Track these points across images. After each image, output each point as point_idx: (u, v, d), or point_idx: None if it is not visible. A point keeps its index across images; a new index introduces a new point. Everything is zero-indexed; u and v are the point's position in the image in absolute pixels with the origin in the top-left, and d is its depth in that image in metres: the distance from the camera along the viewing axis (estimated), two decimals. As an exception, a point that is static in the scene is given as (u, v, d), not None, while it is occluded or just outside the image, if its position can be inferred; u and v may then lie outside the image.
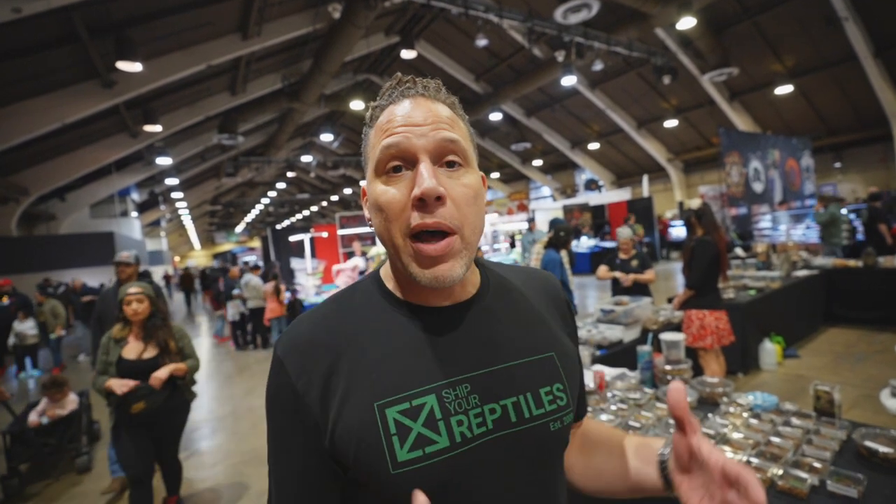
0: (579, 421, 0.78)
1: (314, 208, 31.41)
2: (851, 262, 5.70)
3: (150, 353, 2.50)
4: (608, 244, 13.75)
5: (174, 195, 19.62)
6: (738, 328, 3.91)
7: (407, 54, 10.33)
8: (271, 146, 16.55)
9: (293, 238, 14.32)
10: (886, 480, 1.35)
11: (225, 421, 4.79)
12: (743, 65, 11.48)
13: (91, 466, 3.84)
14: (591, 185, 19.57)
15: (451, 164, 0.58)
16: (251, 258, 25.48)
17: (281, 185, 24.30)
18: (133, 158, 13.69)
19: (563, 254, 4.55)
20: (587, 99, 14.44)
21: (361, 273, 7.57)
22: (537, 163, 20.44)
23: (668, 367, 2.29)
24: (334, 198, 27.29)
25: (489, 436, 0.56)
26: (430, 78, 0.63)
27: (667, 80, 10.55)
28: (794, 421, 1.73)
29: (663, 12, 9.29)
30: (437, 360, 0.58)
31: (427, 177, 0.54)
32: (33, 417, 3.75)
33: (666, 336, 2.46)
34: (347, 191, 25.60)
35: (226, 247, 41.87)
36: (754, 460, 1.48)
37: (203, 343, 9.47)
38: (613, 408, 2.02)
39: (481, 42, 8.87)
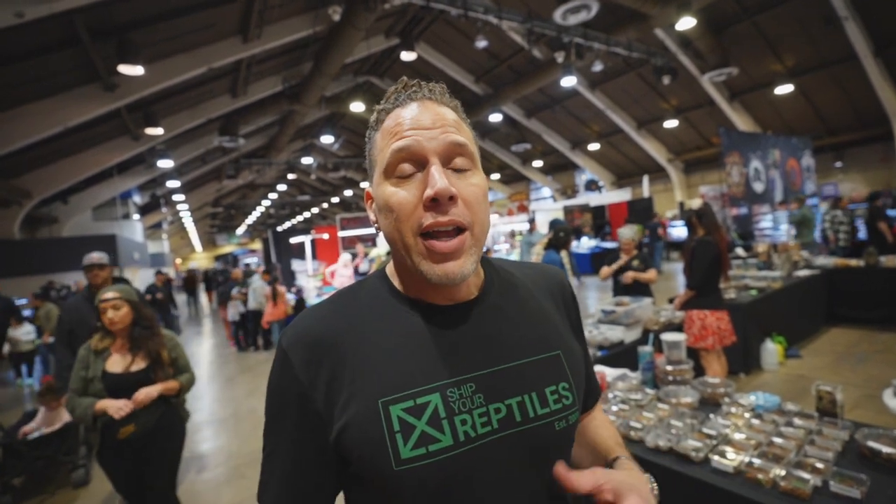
0: (588, 412, 0.79)
1: (315, 210, 31.41)
2: (853, 262, 5.68)
3: (140, 364, 2.17)
4: (609, 245, 13.74)
5: (175, 198, 19.64)
6: (739, 328, 3.90)
7: (407, 56, 10.34)
8: (272, 148, 16.57)
9: (294, 240, 14.37)
10: (889, 481, 1.35)
11: (227, 423, 4.79)
12: (743, 65, 11.47)
13: (88, 480, 3.64)
14: (592, 186, 19.56)
15: (459, 166, 0.60)
16: (252, 260, 25.53)
17: (282, 187, 24.32)
18: (135, 161, 13.70)
19: (564, 254, 4.56)
20: (587, 100, 14.44)
21: (360, 274, 7.60)
22: (537, 164, 20.44)
23: (669, 368, 2.29)
24: (335, 200, 27.30)
25: (494, 435, 0.57)
26: (434, 81, 0.65)
27: (666, 80, 10.55)
28: (797, 421, 1.73)
29: (663, 13, 9.29)
30: (442, 358, 0.59)
31: (440, 178, 0.55)
32: (28, 427, 3.54)
33: (667, 336, 2.46)
34: (348, 193, 25.60)
35: (227, 249, 41.90)
36: (756, 461, 1.49)
37: (205, 344, 9.48)
38: (615, 408, 2.02)
39: (481, 43, 8.88)
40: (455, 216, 0.56)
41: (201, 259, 43.48)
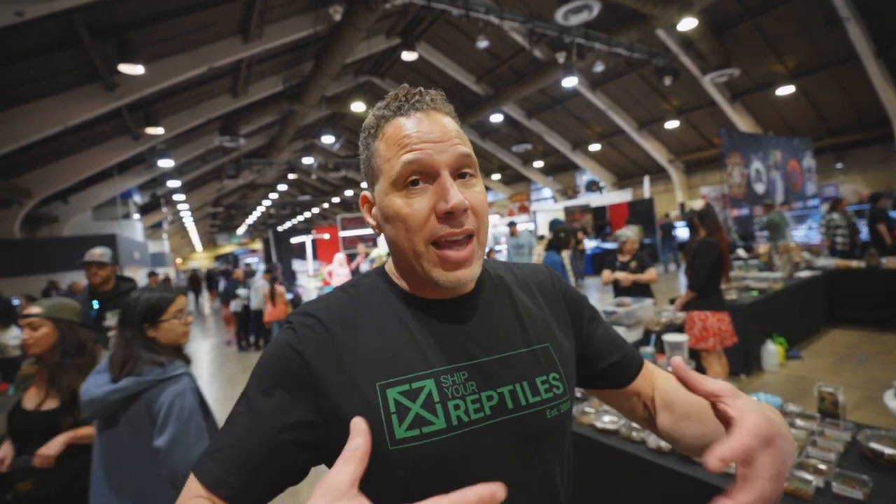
0: (633, 379, 0.75)
1: (315, 210, 31.41)
2: (854, 263, 5.68)
3: (51, 403, 1.67)
4: (609, 245, 13.73)
5: (176, 197, 19.64)
6: (740, 329, 3.90)
7: (408, 56, 10.34)
8: (273, 148, 16.58)
9: (295, 240, 14.37)
10: (892, 482, 1.34)
11: (227, 423, 4.78)
12: (744, 65, 11.46)
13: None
14: (592, 187, 19.55)
15: (463, 175, 0.62)
16: (253, 260, 25.55)
17: (282, 187, 24.33)
18: (135, 161, 13.72)
19: (564, 255, 4.55)
20: (588, 100, 14.44)
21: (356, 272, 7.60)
22: (538, 164, 20.43)
23: (670, 369, 2.28)
24: (336, 200, 27.30)
25: (486, 421, 0.59)
26: (434, 87, 0.66)
27: (668, 81, 10.54)
28: (798, 422, 1.73)
29: (664, 13, 9.29)
30: (437, 348, 0.62)
31: (455, 192, 0.58)
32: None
33: (669, 337, 2.46)
34: (349, 192, 25.61)
35: (227, 249, 41.90)
36: (758, 462, 1.48)
37: (206, 343, 9.48)
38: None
39: (482, 44, 8.88)
40: (467, 226, 0.60)
41: (202, 259, 43.49)
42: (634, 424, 1.85)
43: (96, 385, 1.42)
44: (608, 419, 1.93)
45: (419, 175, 0.60)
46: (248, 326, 8.28)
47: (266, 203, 26.91)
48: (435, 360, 0.61)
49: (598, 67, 10.12)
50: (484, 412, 0.59)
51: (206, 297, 19.00)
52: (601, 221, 15.91)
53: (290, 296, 8.35)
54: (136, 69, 7.41)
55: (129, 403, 1.40)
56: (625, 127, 15.41)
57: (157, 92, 9.39)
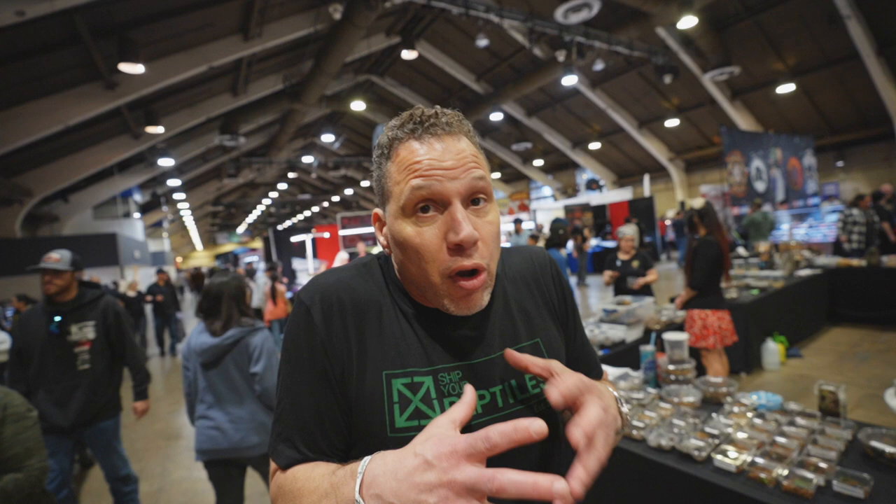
0: None
1: (315, 209, 31.42)
2: (855, 262, 5.67)
3: None
4: (610, 244, 13.73)
5: (176, 196, 19.64)
6: (740, 328, 3.90)
7: (408, 55, 10.33)
8: (272, 147, 16.57)
9: (295, 238, 14.36)
10: (893, 481, 1.35)
11: (228, 422, 4.79)
12: (744, 63, 11.44)
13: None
14: (593, 185, 19.53)
15: (476, 202, 0.61)
16: (253, 258, 25.52)
17: (282, 186, 24.32)
18: (135, 160, 13.72)
19: (562, 252, 4.56)
20: (588, 99, 14.42)
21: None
22: (538, 163, 20.42)
23: (671, 367, 2.29)
24: (335, 198, 27.31)
25: (478, 419, 0.61)
26: (451, 109, 0.65)
27: (668, 79, 10.53)
28: (799, 421, 1.73)
29: (664, 11, 9.28)
30: (435, 348, 0.64)
31: (466, 225, 0.57)
32: None
33: (669, 336, 2.46)
34: (349, 191, 25.61)
35: (228, 247, 41.93)
36: (759, 460, 1.48)
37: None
38: (617, 408, 2.02)
39: (482, 42, 8.87)
40: (478, 259, 0.59)
41: (202, 258, 43.51)
42: (635, 422, 1.85)
43: (206, 338, 2.08)
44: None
45: (430, 202, 0.59)
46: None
47: (266, 202, 26.91)
48: (433, 358, 0.63)
49: (598, 66, 10.11)
50: (476, 411, 0.61)
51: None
52: (601, 220, 15.91)
53: (290, 294, 8.34)
54: (137, 68, 7.41)
55: (232, 347, 2.08)
56: (625, 125, 15.40)
57: (158, 91, 9.38)
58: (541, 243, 4.72)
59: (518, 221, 9.38)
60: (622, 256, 4.28)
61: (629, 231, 4.26)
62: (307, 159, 17.01)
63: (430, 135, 0.60)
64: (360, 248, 8.65)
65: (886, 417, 3.02)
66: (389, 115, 14.21)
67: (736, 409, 1.88)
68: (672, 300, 4.47)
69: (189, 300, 20.18)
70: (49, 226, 14.37)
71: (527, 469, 0.61)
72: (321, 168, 18.23)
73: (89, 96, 8.76)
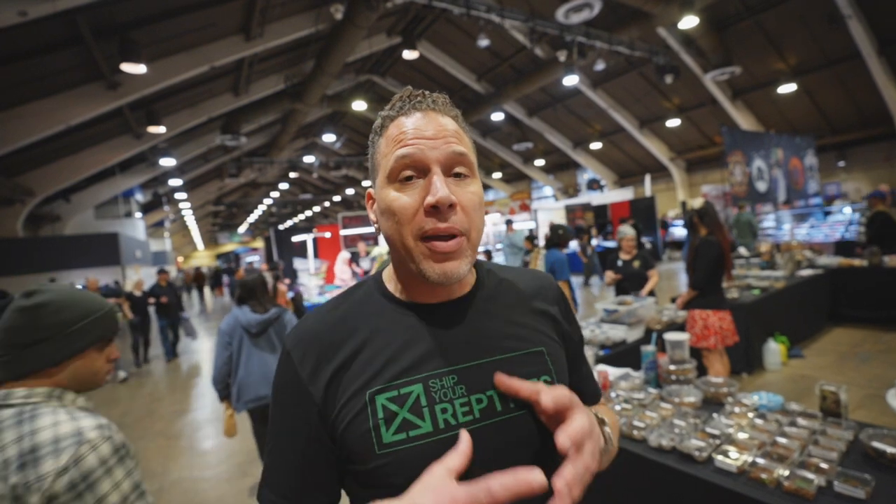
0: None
1: (317, 209, 31.44)
2: (856, 262, 5.66)
3: None
4: (611, 244, 13.72)
5: (177, 196, 19.68)
6: (742, 328, 3.89)
7: (409, 55, 10.33)
8: (274, 147, 16.58)
9: (296, 238, 14.36)
10: (894, 481, 1.35)
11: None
12: (745, 63, 11.43)
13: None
14: (594, 185, 19.53)
15: (458, 175, 0.63)
16: (255, 258, 25.54)
17: (283, 186, 24.33)
18: (137, 160, 13.74)
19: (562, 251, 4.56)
20: (589, 98, 14.42)
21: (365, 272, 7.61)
22: (539, 163, 20.41)
23: (672, 367, 2.29)
24: (337, 198, 27.32)
25: (475, 424, 0.59)
26: (437, 91, 0.68)
27: (669, 79, 10.52)
28: (800, 421, 1.73)
29: (665, 11, 9.27)
30: (428, 352, 0.63)
31: (440, 186, 0.59)
32: None
33: (670, 336, 2.46)
34: (350, 191, 25.61)
35: (229, 247, 41.96)
36: (760, 461, 1.48)
37: (211, 341, 9.49)
38: (618, 408, 2.02)
39: (483, 42, 8.87)
40: (454, 223, 0.60)
41: (203, 257, 43.55)
42: (636, 422, 1.86)
43: (255, 315, 2.72)
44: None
45: (412, 170, 0.61)
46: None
47: (267, 201, 26.93)
48: (425, 364, 0.62)
49: (599, 66, 10.10)
50: (473, 415, 0.60)
51: (207, 293, 19.17)
52: (602, 220, 15.91)
53: (290, 294, 8.35)
54: (138, 68, 7.42)
55: (275, 320, 2.78)
56: (626, 125, 15.39)
57: (159, 91, 9.39)
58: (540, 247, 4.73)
59: (509, 223, 9.20)
60: (623, 257, 4.28)
61: (629, 231, 4.25)
62: (308, 159, 17.02)
63: (416, 109, 0.63)
64: (361, 247, 8.66)
65: (888, 418, 3.02)
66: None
67: (737, 409, 1.88)
68: (673, 300, 4.47)
69: (189, 299, 20.25)
70: (51, 225, 14.40)
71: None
72: (322, 168, 18.24)
73: (91, 96, 8.78)
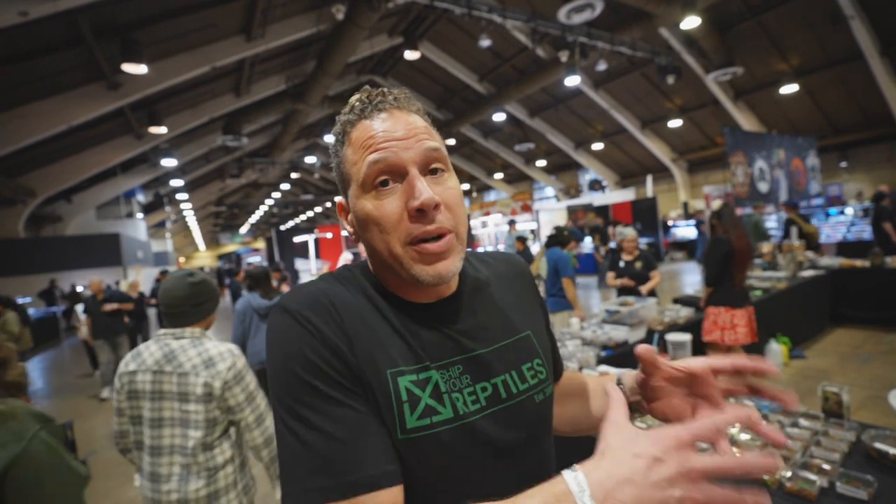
0: (557, 381, 0.84)
1: (318, 209, 31.46)
2: (858, 262, 5.65)
3: None
4: (612, 244, 13.69)
5: (179, 196, 19.71)
6: (744, 328, 3.89)
7: (410, 55, 10.33)
8: (275, 147, 16.60)
9: (298, 239, 14.38)
10: (896, 482, 1.34)
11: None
12: (748, 64, 11.41)
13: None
14: (595, 186, 19.51)
15: (434, 171, 0.61)
16: (256, 259, 25.56)
17: (285, 187, 24.37)
18: (138, 160, 13.76)
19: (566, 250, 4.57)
20: (591, 99, 14.41)
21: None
22: (541, 163, 20.40)
23: (673, 368, 2.28)
24: (338, 199, 27.32)
25: (484, 412, 0.60)
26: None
27: (671, 79, 10.51)
28: (802, 422, 1.72)
29: (667, 12, 9.26)
30: (429, 345, 0.61)
31: (423, 188, 0.56)
32: None
33: (672, 337, 2.45)
34: (351, 192, 25.57)
35: (230, 248, 42.01)
36: (762, 462, 1.47)
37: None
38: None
39: (485, 42, 8.86)
40: (441, 223, 0.58)
41: (204, 258, 43.61)
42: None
43: (263, 301, 3.33)
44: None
45: (387, 175, 0.58)
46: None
47: (269, 202, 26.95)
48: (432, 354, 0.60)
49: (601, 66, 10.09)
50: (480, 403, 0.60)
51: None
52: (604, 220, 15.90)
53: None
54: (140, 69, 7.43)
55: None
56: (627, 126, 15.37)
57: (160, 91, 9.41)
58: (535, 247, 4.76)
59: (512, 223, 9.72)
60: (625, 257, 4.28)
61: (630, 232, 4.25)
62: (310, 160, 17.04)
63: (379, 111, 0.60)
64: (361, 248, 8.67)
65: (890, 419, 3.01)
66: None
67: (739, 410, 1.87)
68: (675, 301, 4.48)
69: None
70: (52, 226, 14.44)
71: (529, 468, 0.63)
72: (324, 168, 18.26)
73: (92, 97, 8.79)
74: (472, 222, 19.60)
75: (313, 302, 0.58)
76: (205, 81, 10.58)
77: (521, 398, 0.63)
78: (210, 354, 1.52)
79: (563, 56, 9.38)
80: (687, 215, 15.81)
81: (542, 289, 4.30)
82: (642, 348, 0.59)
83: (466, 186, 24.80)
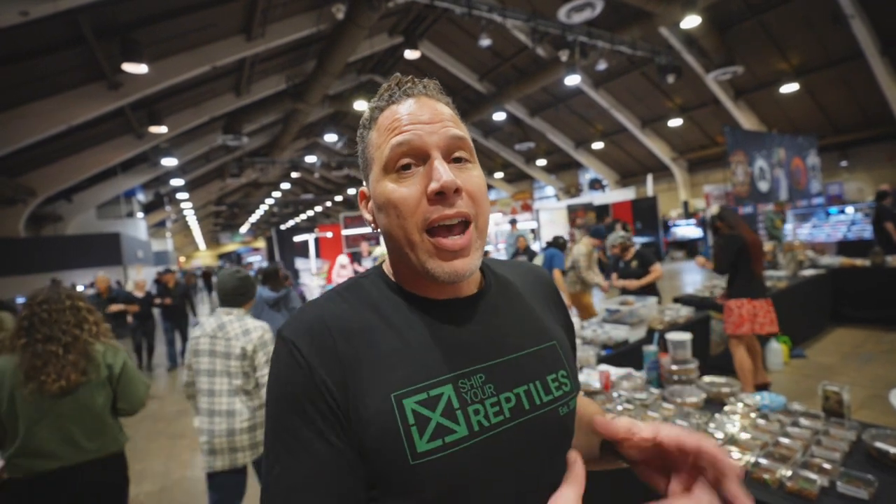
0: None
1: (318, 209, 31.46)
2: (859, 262, 5.64)
3: None
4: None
5: (179, 196, 19.70)
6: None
7: (410, 54, 10.32)
8: (275, 147, 16.59)
9: (298, 238, 14.40)
10: (897, 482, 1.34)
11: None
12: (748, 63, 11.41)
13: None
14: (595, 185, 19.50)
15: (458, 160, 0.59)
16: (256, 258, 25.58)
17: (285, 186, 24.36)
18: (139, 159, 13.76)
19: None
20: (591, 98, 14.40)
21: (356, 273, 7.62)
22: (541, 162, 20.39)
23: (674, 367, 2.28)
24: (338, 198, 27.33)
25: (507, 424, 0.57)
26: (429, 78, 0.65)
27: (671, 79, 10.49)
28: (803, 421, 1.72)
29: (667, 11, 9.25)
30: (450, 351, 0.58)
31: (444, 170, 0.55)
32: None
33: (672, 336, 2.45)
34: (351, 191, 25.61)
35: (230, 247, 42.05)
36: (763, 461, 1.48)
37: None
38: (619, 408, 2.01)
39: (485, 42, 8.85)
40: (461, 208, 0.56)
41: (205, 257, 43.62)
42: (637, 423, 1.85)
43: (272, 293, 3.61)
44: (609, 417, 1.93)
45: (410, 158, 0.57)
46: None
47: (269, 201, 26.96)
48: (450, 364, 0.57)
49: (601, 65, 10.08)
50: (504, 415, 0.57)
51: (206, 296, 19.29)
52: (601, 220, 15.90)
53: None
54: (140, 68, 7.43)
55: (285, 296, 3.64)
56: (628, 125, 15.37)
57: (161, 91, 9.41)
58: (536, 246, 4.85)
59: (514, 222, 9.82)
60: (625, 258, 4.31)
61: (614, 238, 4.35)
62: (310, 159, 17.03)
63: (408, 95, 0.60)
64: (364, 247, 8.66)
65: (890, 418, 3.01)
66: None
67: (739, 409, 1.88)
68: (676, 300, 4.49)
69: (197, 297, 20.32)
70: (53, 225, 14.44)
71: (552, 482, 0.56)
72: (324, 168, 18.26)
73: (93, 96, 8.79)
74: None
75: (308, 330, 0.56)
76: (205, 81, 10.57)
77: (544, 409, 0.60)
78: (247, 327, 2.19)
79: (563, 55, 9.37)
80: (687, 214, 15.82)
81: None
82: (599, 423, 0.52)
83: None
